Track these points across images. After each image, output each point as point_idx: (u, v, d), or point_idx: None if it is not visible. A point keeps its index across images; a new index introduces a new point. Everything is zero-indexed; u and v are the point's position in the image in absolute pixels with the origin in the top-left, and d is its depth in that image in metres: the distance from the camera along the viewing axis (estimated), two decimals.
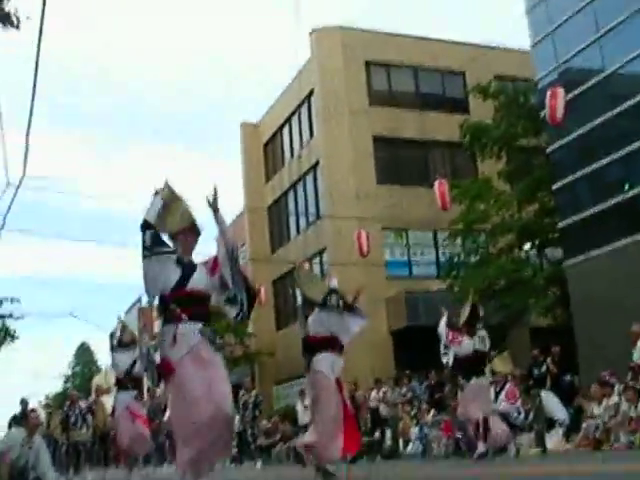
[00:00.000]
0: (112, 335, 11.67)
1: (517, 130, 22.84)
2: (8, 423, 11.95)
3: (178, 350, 5.76)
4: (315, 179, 30.53)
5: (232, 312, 6.13)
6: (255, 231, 34.41)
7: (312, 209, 30.80)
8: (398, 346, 25.17)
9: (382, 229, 26.92)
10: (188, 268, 5.96)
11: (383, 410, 17.77)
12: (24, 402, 13.48)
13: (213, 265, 6.04)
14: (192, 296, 5.88)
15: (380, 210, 26.50)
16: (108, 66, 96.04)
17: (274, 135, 34.35)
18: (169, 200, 6.09)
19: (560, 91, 13.99)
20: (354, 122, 28.16)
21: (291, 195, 32.77)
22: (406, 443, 17.19)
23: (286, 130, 33.37)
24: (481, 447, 11.45)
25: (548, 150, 21.26)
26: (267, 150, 35.22)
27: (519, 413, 13.18)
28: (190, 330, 5.77)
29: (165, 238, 6.07)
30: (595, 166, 19.16)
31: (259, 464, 18.16)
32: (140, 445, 11.52)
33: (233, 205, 39.14)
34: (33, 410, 12.38)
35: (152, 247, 5.89)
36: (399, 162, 28.47)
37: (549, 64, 20.90)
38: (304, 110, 31.49)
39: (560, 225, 20.66)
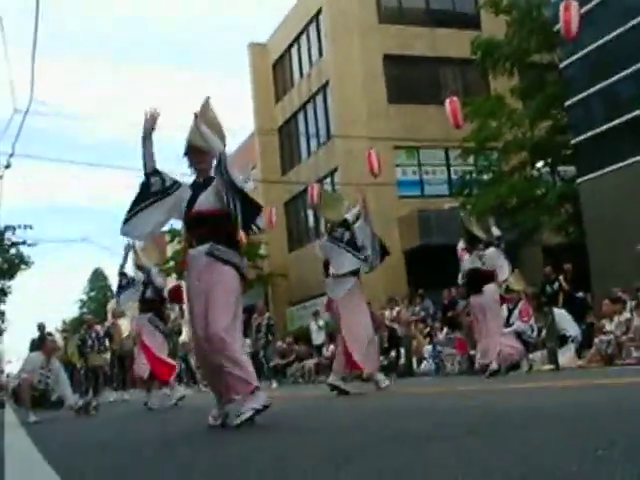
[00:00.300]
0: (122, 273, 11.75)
1: (530, 46, 22.41)
2: (29, 347, 12.10)
3: (188, 276, 5.80)
4: (325, 99, 30.26)
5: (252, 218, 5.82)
6: (266, 153, 34.28)
7: (323, 129, 30.61)
8: (411, 265, 25.25)
9: (393, 148, 26.77)
10: (197, 189, 5.79)
11: (397, 329, 17.93)
12: (41, 327, 13.67)
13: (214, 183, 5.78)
14: (197, 218, 5.70)
15: (391, 129, 26.30)
16: None
17: (283, 55, 33.93)
18: (200, 114, 5.91)
19: (574, 4, 13.64)
20: (364, 40, 27.74)
21: (301, 116, 32.54)
22: (419, 361, 17.40)
23: (295, 50, 32.94)
24: (493, 364, 11.63)
25: (561, 66, 20.93)
26: (276, 70, 34.83)
27: (532, 331, 13.26)
28: (197, 254, 5.67)
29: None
30: (609, 82, 18.86)
31: (275, 384, 18.42)
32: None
33: (243, 127, 38.92)
34: (50, 334, 12.53)
35: (164, 188, 5.82)
36: (410, 80, 28.11)
37: None
38: (313, 29, 31.03)
39: (573, 142, 20.48)
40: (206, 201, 5.68)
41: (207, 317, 5.41)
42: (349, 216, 10.31)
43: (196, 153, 5.85)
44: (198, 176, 5.91)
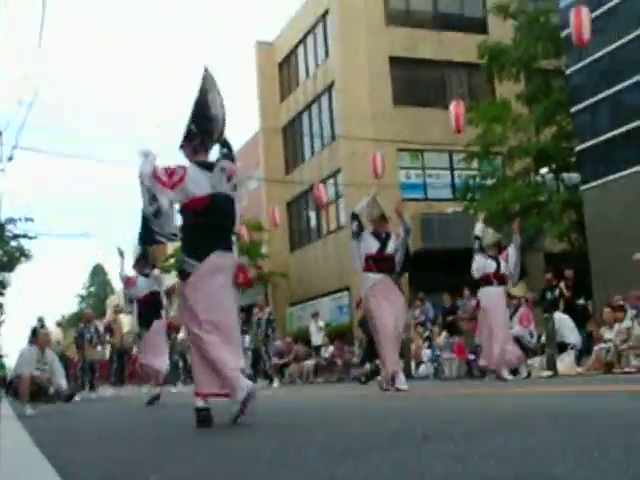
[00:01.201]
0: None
1: (537, 51, 22.38)
2: (28, 339, 12.14)
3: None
4: (330, 100, 30.24)
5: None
6: (270, 152, 34.26)
7: (327, 130, 30.59)
8: (412, 268, 25.19)
9: (397, 151, 26.77)
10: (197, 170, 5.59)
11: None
12: (40, 320, 13.69)
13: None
14: (190, 206, 5.54)
15: (396, 131, 26.30)
16: None
17: (289, 54, 33.92)
18: (207, 86, 5.73)
19: (585, 10, 13.61)
20: (370, 42, 27.74)
21: (306, 116, 32.53)
22: (418, 365, 17.39)
23: (301, 49, 32.94)
24: (505, 374, 11.71)
25: (567, 72, 20.90)
26: (282, 69, 34.82)
27: (532, 336, 13.25)
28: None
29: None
30: (615, 89, 18.83)
31: (276, 383, 18.43)
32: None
33: (248, 126, 38.96)
34: (42, 326, 12.55)
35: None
36: (416, 83, 28.11)
37: None
38: (320, 29, 31.02)
39: (578, 149, 20.46)
40: (199, 187, 5.52)
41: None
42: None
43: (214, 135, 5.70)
44: (200, 155, 5.68)
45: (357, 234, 9.86)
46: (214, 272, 5.42)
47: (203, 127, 5.64)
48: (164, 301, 12.47)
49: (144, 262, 11.71)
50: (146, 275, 11.71)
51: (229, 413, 5.20)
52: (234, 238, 5.67)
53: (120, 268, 12.12)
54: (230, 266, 5.52)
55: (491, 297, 11.79)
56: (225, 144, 5.69)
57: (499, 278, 11.87)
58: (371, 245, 9.78)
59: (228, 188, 5.58)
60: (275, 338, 20.51)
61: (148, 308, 11.59)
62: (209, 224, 5.49)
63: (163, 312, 12.11)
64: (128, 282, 11.82)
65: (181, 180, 5.47)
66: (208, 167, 5.58)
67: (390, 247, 9.78)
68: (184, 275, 5.53)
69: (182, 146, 5.74)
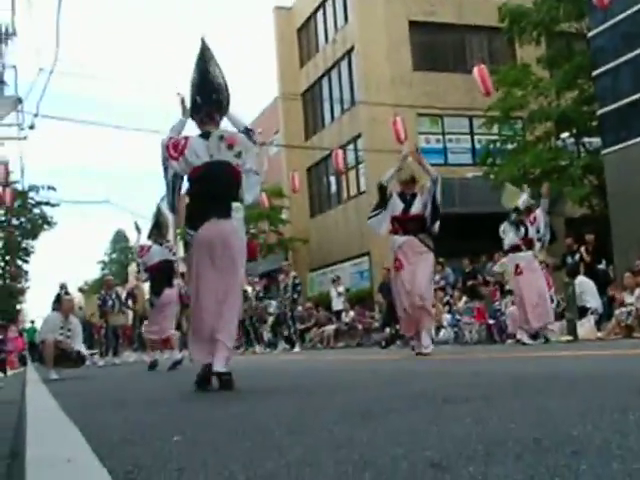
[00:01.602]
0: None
1: (558, 14, 22.11)
2: (52, 305, 12.34)
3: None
4: (350, 65, 30.09)
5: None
6: (289, 118, 34.18)
7: (347, 95, 30.45)
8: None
9: (417, 116, 26.63)
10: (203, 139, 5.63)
11: None
12: (62, 286, 13.84)
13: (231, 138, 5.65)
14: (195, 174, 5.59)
15: (415, 96, 26.15)
16: None
17: (308, 20, 33.71)
18: (208, 57, 5.76)
19: None
20: (389, 6, 27.50)
21: (325, 81, 32.39)
22: (438, 329, 17.41)
23: (320, 14, 32.72)
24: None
25: (589, 35, 20.65)
26: (301, 35, 34.63)
27: (552, 300, 13.21)
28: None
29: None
30: (637, 52, 18.59)
31: (298, 347, 18.58)
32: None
33: (267, 91, 38.79)
34: (67, 293, 12.68)
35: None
36: (435, 47, 27.89)
37: None
38: None
39: (599, 113, 20.26)
40: (201, 153, 5.56)
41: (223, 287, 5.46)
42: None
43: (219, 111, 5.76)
44: (208, 125, 5.69)
45: (381, 204, 9.80)
46: (208, 242, 5.44)
47: (208, 98, 5.67)
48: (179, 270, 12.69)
49: (158, 232, 11.89)
50: (160, 244, 11.87)
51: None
52: (236, 205, 5.57)
53: (136, 240, 12.50)
54: (227, 233, 5.45)
55: (520, 262, 11.67)
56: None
57: (527, 243, 11.79)
58: (396, 206, 9.67)
59: (230, 155, 5.55)
60: (301, 303, 20.61)
61: (160, 276, 11.77)
62: (203, 192, 5.52)
63: (176, 281, 12.30)
64: (142, 250, 12.02)
65: (182, 151, 5.52)
66: (208, 136, 5.60)
67: (415, 207, 9.61)
68: (186, 246, 5.63)
69: (192, 117, 5.79)
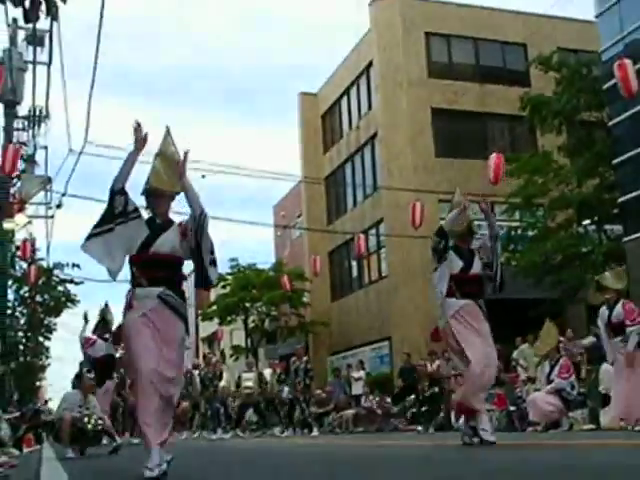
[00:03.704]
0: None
1: (579, 103, 22.45)
2: (72, 383, 12.57)
3: (132, 314, 5.62)
4: (373, 151, 30.49)
5: (213, 275, 5.84)
6: (312, 202, 34.52)
7: (369, 181, 30.80)
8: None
9: (439, 202, 26.82)
10: (156, 229, 5.72)
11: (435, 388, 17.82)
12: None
13: (183, 231, 5.76)
14: (154, 259, 5.66)
15: (437, 182, 26.39)
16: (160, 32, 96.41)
17: (333, 106, 34.32)
18: (164, 148, 5.86)
19: (628, 62, 13.70)
20: (413, 94, 27.99)
21: (349, 166, 32.78)
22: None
23: (344, 101, 33.33)
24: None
25: (610, 124, 20.91)
26: (325, 121, 35.22)
27: (572, 388, 13.06)
28: (147, 294, 5.60)
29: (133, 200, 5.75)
30: None
31: (316, 431, 18.38)
32: None
33: (291, 175, 39.30)
34: (89, 370, 12.77)
35: (125, 212, 5.60)
36: (458, 135, 28.23)
37: (614, 35, 20.50)
38: (363, 81, 31.41)
39: (620, 201, 20.36)
40: (165, 244, 5.69)
41: (163, 363, 5.47)
42: None
43: (158, 196, 5.84)
44: (155, 216, 5.84)
45: (441, 254, 8.11)
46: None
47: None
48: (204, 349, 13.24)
49: (103, 327, 12.94)
50: (105, 339, 12.84)
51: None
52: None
53: (82, 330, 13.27)
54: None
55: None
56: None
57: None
58: (453, 264, 8.09)
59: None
60: (314, 387, 20.47)
61: (103, 368, 12.54)
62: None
63: (116, 375, 13.86)
64: (87, 342, 12.81)
65: None
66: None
67: (475, 265, 8.14)
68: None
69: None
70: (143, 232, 5.64)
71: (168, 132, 5.90)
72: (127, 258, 5.67)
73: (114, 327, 13.27)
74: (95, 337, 12.83)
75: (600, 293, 11.59)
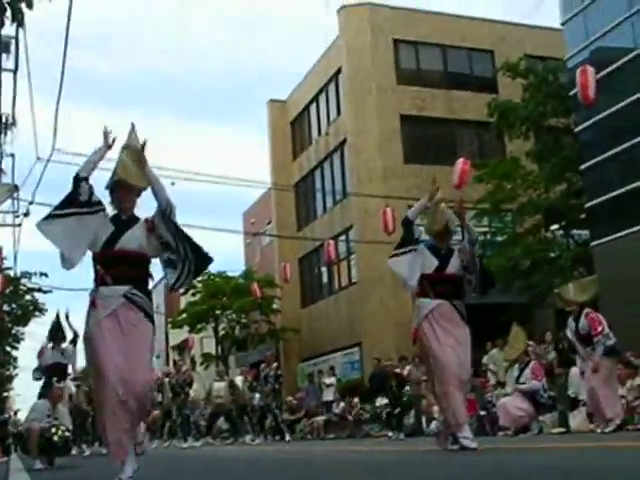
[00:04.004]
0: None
1: (546, 109, 22.68)
2: (38, 394, 12.42)
3: (96, 314, 5.29)
4: (342, 157, 30.55)
5: (171, 277, 5.54)
6: (282, 209, 34.51)
7: (339, 187, 30.85)
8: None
9: (408, 207, 26.88)
10: (121, 226, 5.47)
11: (406, 388, 17.83)
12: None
13: (149, 226, 5.51)
14: (119, 257, 5.38)
15: (406, 188, 26.47)
16: (133, 34, 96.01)
17: (301, 113, 34.35)
18: (128, 143, 5.63)
19: (590, 69, 13.87)
20: (381, 100, 28.09)
21: (318, 173, 32.83)
22: (429, 421, 17.26)
23: (313, 108, 33.37)
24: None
25: (576, 130, 21.12)
26: (294, 127, 35.24)
27: (545, 390, 13.14)
28: (112, 294, 5.29)
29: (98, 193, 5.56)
30: (623, 147, 19.02)
31: (288, 437, 18.37)
32: None
33: (260, 182, 39.25)
34: (58, 381, 12.69)
35: (89, 203, 5.41)
36: (426, 141, 28.38)
37: (579, 42, 20.72)
38: (332, 88, 31.47)
39: (587, 206, 20.57)
40: (132, 241, 5.43)
41: (129, 367, 5.17)
42: None
43: (125, 190, 5.58)
44: (120, 212, 5.59)
45: (410, 243, 7.82)
46: None
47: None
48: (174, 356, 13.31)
49: (56, 335, 13.21)
50: (53, 347, 13.13)
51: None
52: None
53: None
54: None
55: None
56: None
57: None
58: (428, 262, 7.65)
59: None
60: (284, 393, 20.48)
61: (51, 376, 12.49)
62: None
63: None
64: (41, 352, 13.28)
65: None
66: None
67: (452, 265, 7.66)
68: None
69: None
70: (108, 228, 5.41)
71: (133, 128, 5.70)
72: (90, 254, 5.45)
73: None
74: (48, 347, 13.17)
75: (563, 305, 11.82)
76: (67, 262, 5.38)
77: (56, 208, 5.42)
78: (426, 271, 7.58)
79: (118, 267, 5.35)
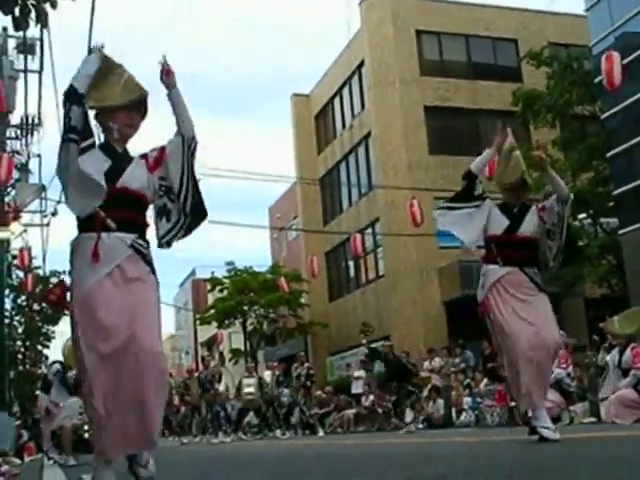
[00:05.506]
0: None
1: (571, 97, 22.50)
2: (68, 391, 12.40)
3: (97, 269, 4.13)
4: (367, 150, 30.51)
5: (162, 228, 4.52)
6: (307, 203, 34.54)
7: (364, 180, 30.81)
8: (451, 316, 25.13)
9: (434, 199, 26.83)
10: (121, 160, 4.38)
11: (436, 380, 17.82)
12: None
13: (157, 157, 4.47)
14: (124, 197, 4.27)
15: (432, 180, 26.41)
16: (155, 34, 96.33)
17: (325, 106, 34.34)
18: (107, 64, 4.44)
19: (616, 55, 13.71)
20: (405, 92, 28.01)
21: (343, 166, 32.81)
22: (459, 413, 17.23)
23: (337, 101, 33.35)
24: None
25: (603, 117, 20.95)
26: (319, 121, 35.24)
27: (571, 379, 13.05)
28: (117, 243, 4.20)
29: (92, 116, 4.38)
30: None
31: (321, 432, 18.45)
32: None
33: (286, 177, 39.29)
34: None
35: (83, 131, 4.21)
36: (451, 132, 28.26)
37: (604, 29, 20.54)
38: (355, 81, 31.44)
39: (615, 194, 20.39)
40: (135, 179, 4.36)
41: (137, 327, 4.06)
42: None
43: (136, 111, 4.49)
44: (112, 140, 4.42)
45: (471, 195, 6.67)
46: None
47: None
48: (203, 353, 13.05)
49: None
50: None
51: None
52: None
53: None
54: None
55: None
56: None
57: None
58: (497, 223, 6.50)
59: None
60: (314, 390, 20.60)
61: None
62: None
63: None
64: None
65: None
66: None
67: (526, 226, 6.52)
68: None
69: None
70: (106, 163, 4.29)
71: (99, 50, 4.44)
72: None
73: None
74: None
75: (611, 339, 11.86)
76: (82, 209, 4.27)
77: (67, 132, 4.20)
78: (494, 232, 6.46)
79: (122, 209, 4.26)
